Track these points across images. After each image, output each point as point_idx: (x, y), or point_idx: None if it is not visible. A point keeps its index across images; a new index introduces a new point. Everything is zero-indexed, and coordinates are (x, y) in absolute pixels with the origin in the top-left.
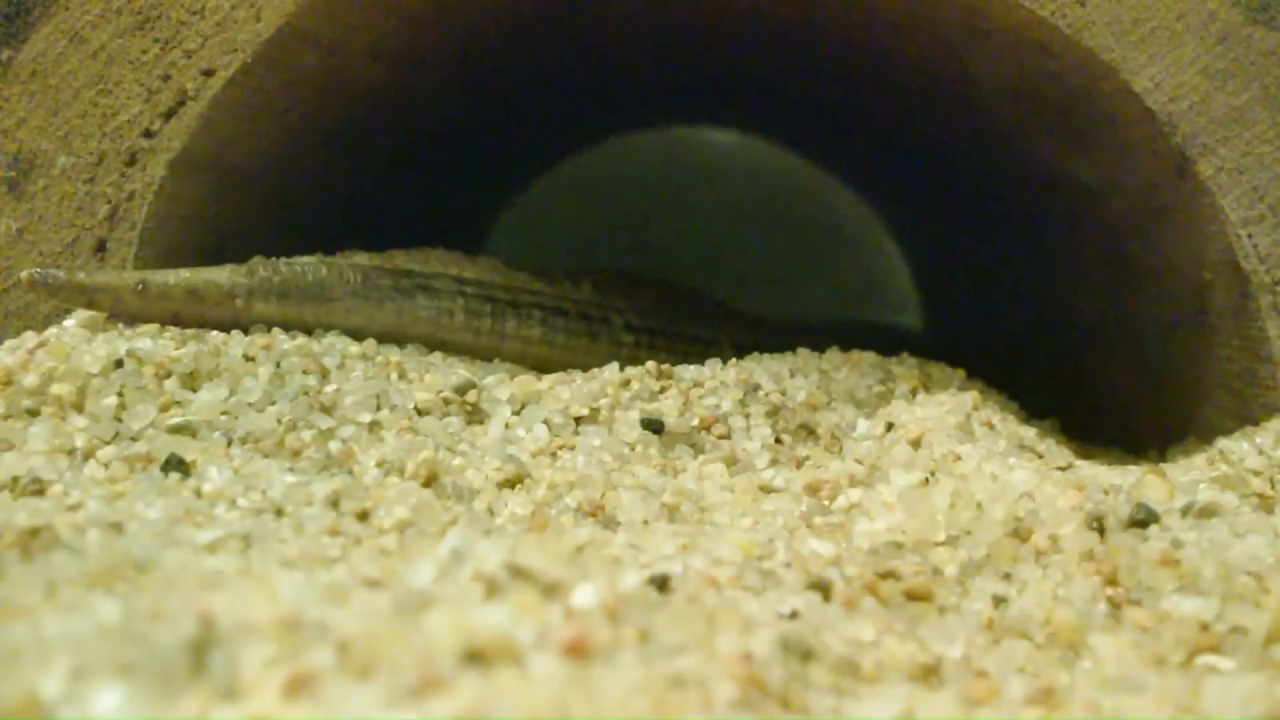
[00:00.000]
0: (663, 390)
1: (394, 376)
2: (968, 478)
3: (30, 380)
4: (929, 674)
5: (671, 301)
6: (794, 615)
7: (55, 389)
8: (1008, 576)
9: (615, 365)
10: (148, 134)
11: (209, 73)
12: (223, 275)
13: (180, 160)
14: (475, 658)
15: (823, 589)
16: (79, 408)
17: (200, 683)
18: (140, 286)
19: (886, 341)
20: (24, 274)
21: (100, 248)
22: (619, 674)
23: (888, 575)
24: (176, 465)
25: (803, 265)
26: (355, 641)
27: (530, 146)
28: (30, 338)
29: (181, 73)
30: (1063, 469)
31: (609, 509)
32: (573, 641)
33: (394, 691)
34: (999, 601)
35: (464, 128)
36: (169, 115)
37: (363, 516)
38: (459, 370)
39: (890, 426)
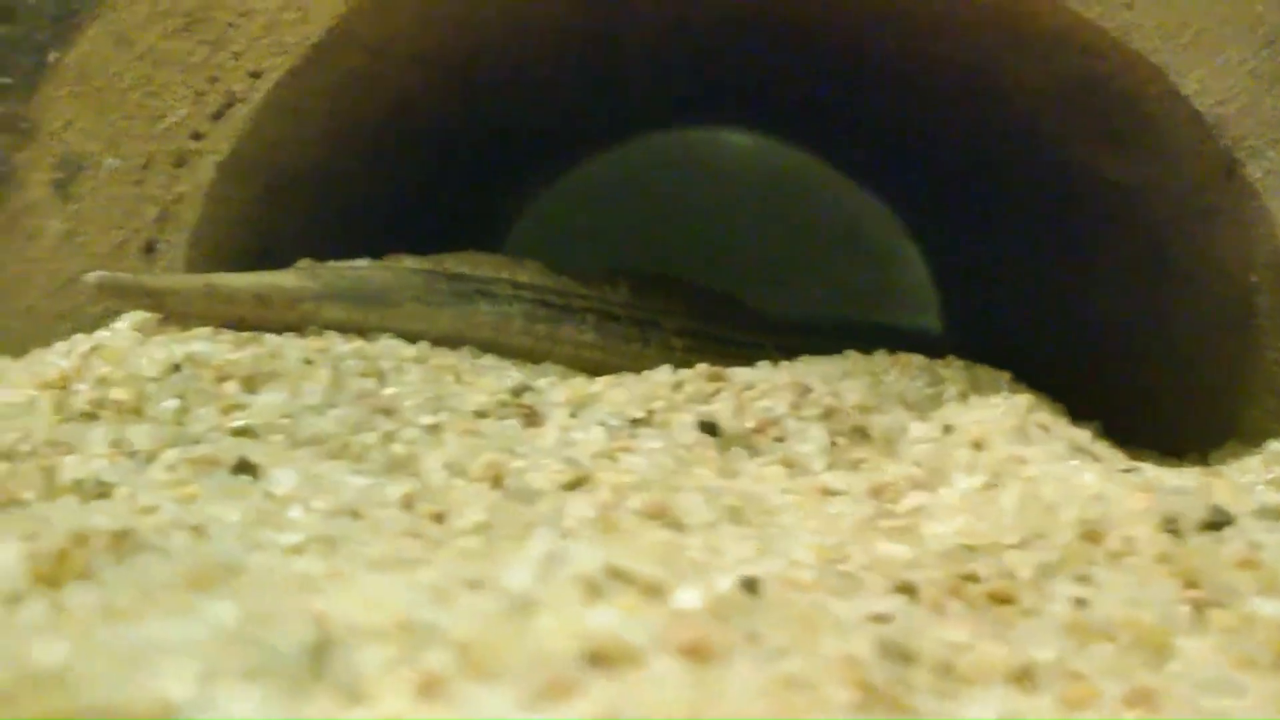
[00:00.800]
0: (716, 393)
1: (449, 379)
2: (1035, 480)
3: (87, 383)
4: (1023, 677)
5: (709, 305)
6: (884, 618)
7: (114, 392)
8: (1084, 579)
9: (667, 368)
10: (196, 136)
11: (257, 75)
12: (289, 279)
13: (229, 162)
14: (596, 660)
15: (909, 592)
16: (138, 411)
17: (326, 685)
18: (208, 290)
19: (911, 345)
20: (90, 276)
21: (149, 249)
22: (738, 676)
23: (967, 578)
24: (245, 468)
25: (818, 267)
26: (472, 644)
27: (549, 148)
28: (82, 340)
29: (230, 74)
30: (1126, 471)
31: (673, 511)
32: (691, 643)
33: (524, 693)
34: (1079, 604)
35: (489, 130)
36: (217, 117)
37: (439, 519)
38: (512, 373)
39: (948, 429)
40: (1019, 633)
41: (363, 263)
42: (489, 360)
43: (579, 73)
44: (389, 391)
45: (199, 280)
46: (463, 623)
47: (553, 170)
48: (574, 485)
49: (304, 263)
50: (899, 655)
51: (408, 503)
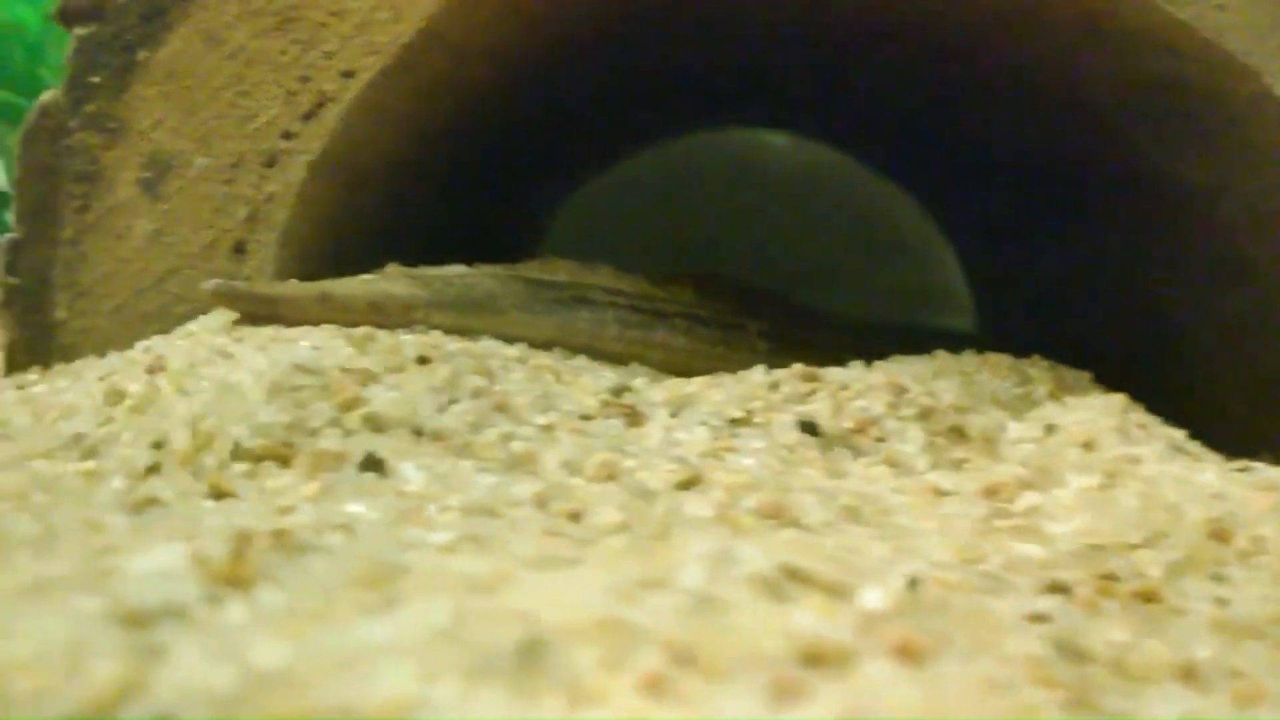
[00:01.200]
0: (812, 393)
1: (550, 379)
2: (1152, 480)
3: (206, 380)
4: (1190, 675)
5: (779, 307)
6: (1044, 618)
7: (236, 392)
8: (1219, 578)
9: (762, 368)
10: (287, 135)
11: (349, 74)
12: (399, 287)
13: (319, 162)
14: (812, 660)
15: (1062, 591)
16: (257, 409)
17: (548, 684)
18: (323, 298)
19: (955, 347)
20: (208, 285)
21: (239, 249)
22: (950, 677)
23: (1108, 577)
24: (373, 465)
25: (852, 267)
26: (678, 642)
27: (593, 147)
28: (184, 339)
29: (321, 74)
30: (1241, 471)
31: (790, 511)
32: (900, 644)
33: (757, 693)
34: (1221, 603)
35: (543, 128)
36: (308, 117)
37: (574, 518)
38: (606, 374)
39: (1050, 429)
40: (1173, 631)
41: (456, 269)
42: (581, 361)
43: (628, 73)
44: (500, 389)
45: (313, 288)
46: (661, 622)
47: (592, 170)
48: (687, 485)
49: (393, 268)
50: (1074, 654)
51: (540, 502)
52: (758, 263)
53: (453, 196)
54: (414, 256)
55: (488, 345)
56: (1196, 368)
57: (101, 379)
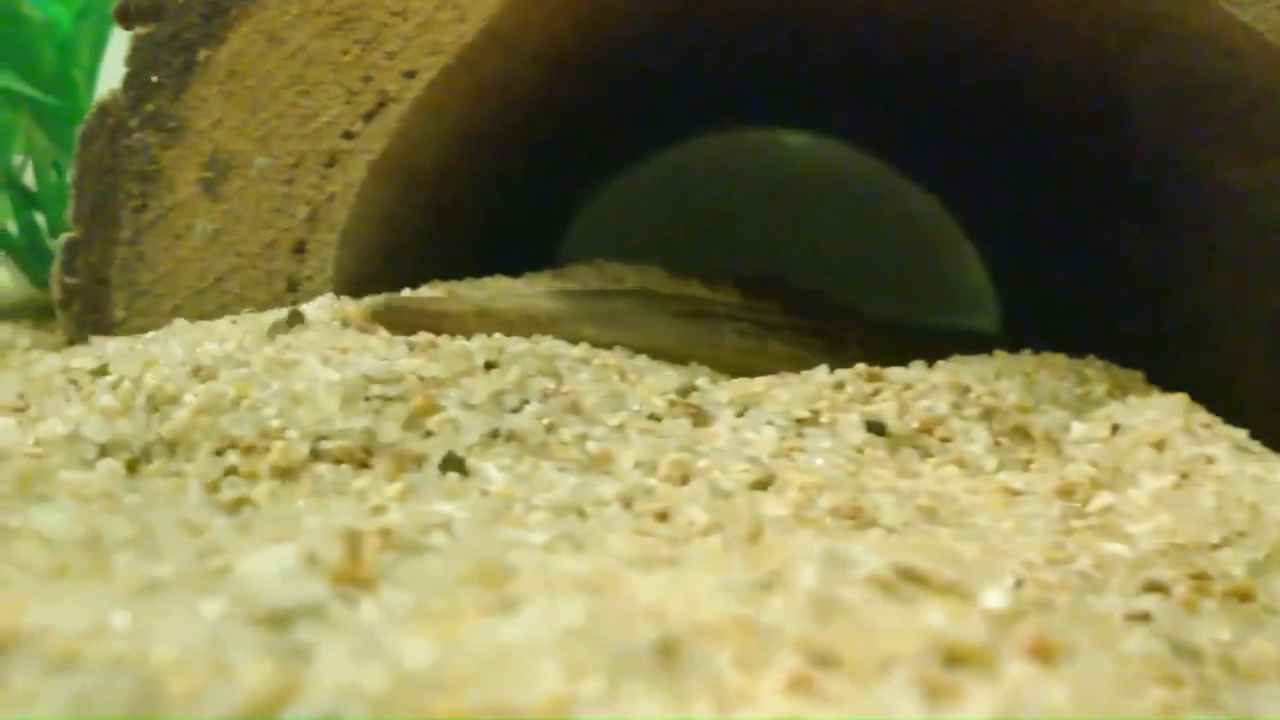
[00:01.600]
0: (875, 393)
1: (616, 378)
2: (1227, 479)
3: (279, 382)
4: None
5: (834, 309)
6: (1146, 616)
7: (308, 398)
8: None
9: (824, 368)
10: (348, 135)
11: (411, 74)
12: (545, 303)
13: (379, 162)
14: (953, 660)
15: (1160, 590)
16: (332, 414)
17: (694, 684)
18: (482, 313)
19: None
20: (367, 303)
21: (299, 249)
22: (1087, 676)
23: (1199, 576)
24: (454, 465)
25: (874, 266)
26: (813, 643)
27: (619, 145)
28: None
29: (383, 74)
30: None
31: (868, 511)
32: (1036, 644)
33: (908, 693)
34: None
35: (576, 127)
36: (369, 117)
37: (662, 518)
38: (668, 373)
39: (1116, 429)
40: (1270, 630)
41: (510, 282)
42: (642, 360)
43: (654, 73)
44: (569, 389)
45: (470, 303)
46: (789, 622)
47: (615, 169)
48: (761, 485)
49: (437, 285)
50: (1189, 653)
51: (624, 501)
52: (779, 262)
53: (490, 193)
54: (455, 252)
55: (553, 346)
56: (1231, 368)
57: (160, 380)
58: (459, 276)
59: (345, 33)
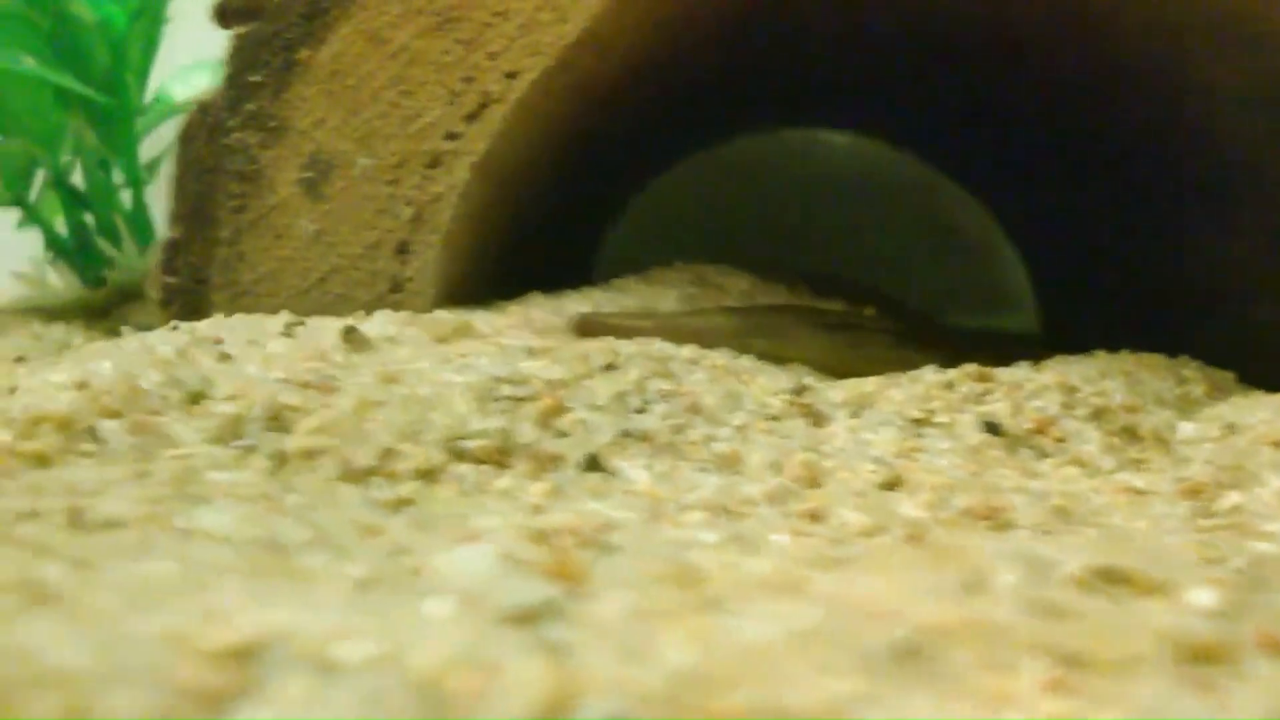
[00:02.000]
0: (987, 393)
1: (730, 380)
2: None
3: (407, 387)
4: None
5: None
6: None
7: (441, 402)
8: None
9: (933, 367)
10: (451, 136)
11: (513, 75)
12: (718, 319)
13: (481, 163)
14: (1201, 657)
15: None
16: (467, 416)
17: (948, 685)
18: (664, 328)
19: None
20: (573, 313)
21: (402, 250)
22: None
23: None
24: (595, 465)
25: (913, 266)
26: (1049, 642)
27: (670, 143)
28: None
29: (485, 75)
30: None
31: (1004, 512)
32: (1266, 639)
33: (1174, 689)
34: None
35: (638, 126)
36: (472, 118)
37: (815, 518)
38: (774, 372)
39: (1230, 428)
40: None
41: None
42: (746, 361)
43: (712, 72)
44: (688, 390)
45: (651, 319)
46: (1018, 623)
47: (660, 168)
48: (891, 485)
49: (538, 296)
50: None
51: (773, 501)
52: (819, 261)
53: (556, 189)
54: (528, 249)
55: (663, 348)
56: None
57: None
58: (533, 274)
59: (446, 33)
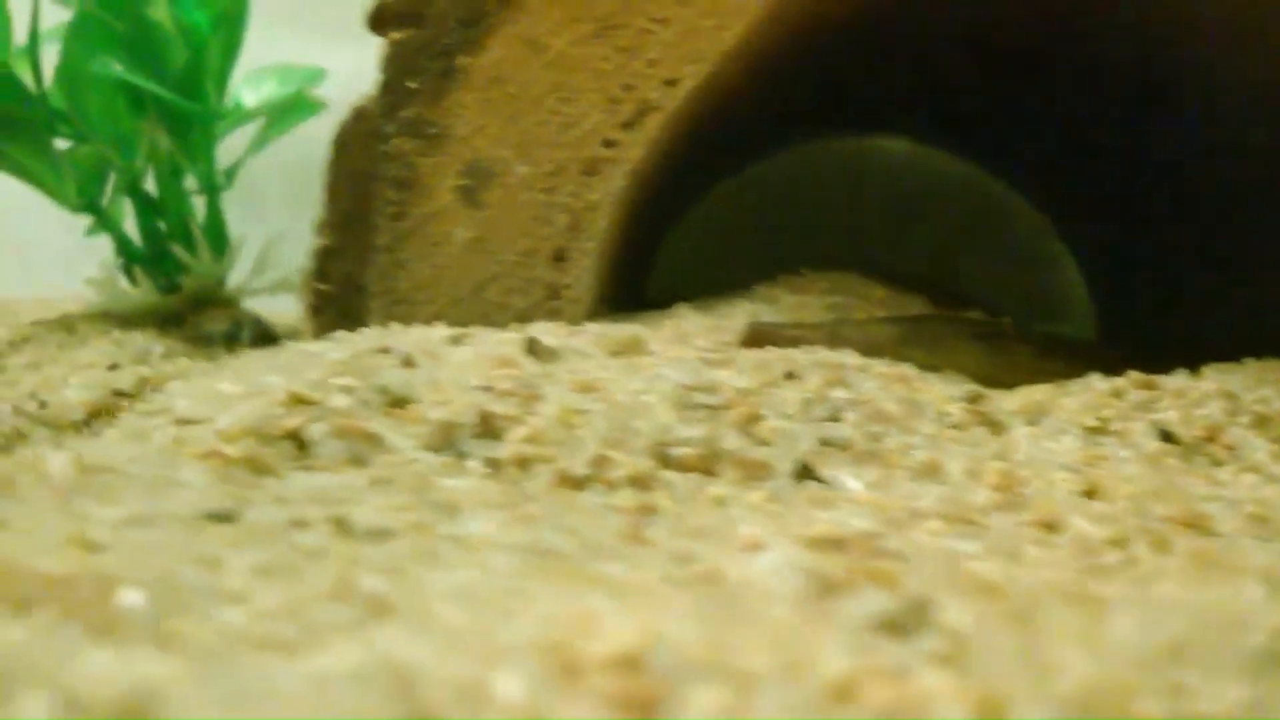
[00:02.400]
0: (1154, 400)
1: (900, 387)
2: None
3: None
4: None
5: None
6: None
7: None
8: None
9: (1098, 375)
10: (608, 143)
11: (672, 82)
12: (882, 330)
13: (637, 170)
14: None
15: None
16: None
17: None
18: (833, 336)
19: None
20: (746, 323)
21: (559, 257)
22: None
23: None
24: (807, 473)
25: (970, 273)
26: None
27: (749, 145)
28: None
29: (644, 82)
30: None
31: (1205, 521)
32: None
33: None
34: None
35: (740, 128)
36: (629, 125)
37: (1049, 527)
38: (938, 380)
39: None
40: None
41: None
42: (907, 369)
43: (810, 78)
44: (868, 398)
45: (822, 330)
46: None
47: (728, 172)
48: (1089, 494)
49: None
50: None
51: (1004, 510)
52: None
53: (667, 191)
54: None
55: (830, 356)
56: None
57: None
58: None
59: (605, 40)
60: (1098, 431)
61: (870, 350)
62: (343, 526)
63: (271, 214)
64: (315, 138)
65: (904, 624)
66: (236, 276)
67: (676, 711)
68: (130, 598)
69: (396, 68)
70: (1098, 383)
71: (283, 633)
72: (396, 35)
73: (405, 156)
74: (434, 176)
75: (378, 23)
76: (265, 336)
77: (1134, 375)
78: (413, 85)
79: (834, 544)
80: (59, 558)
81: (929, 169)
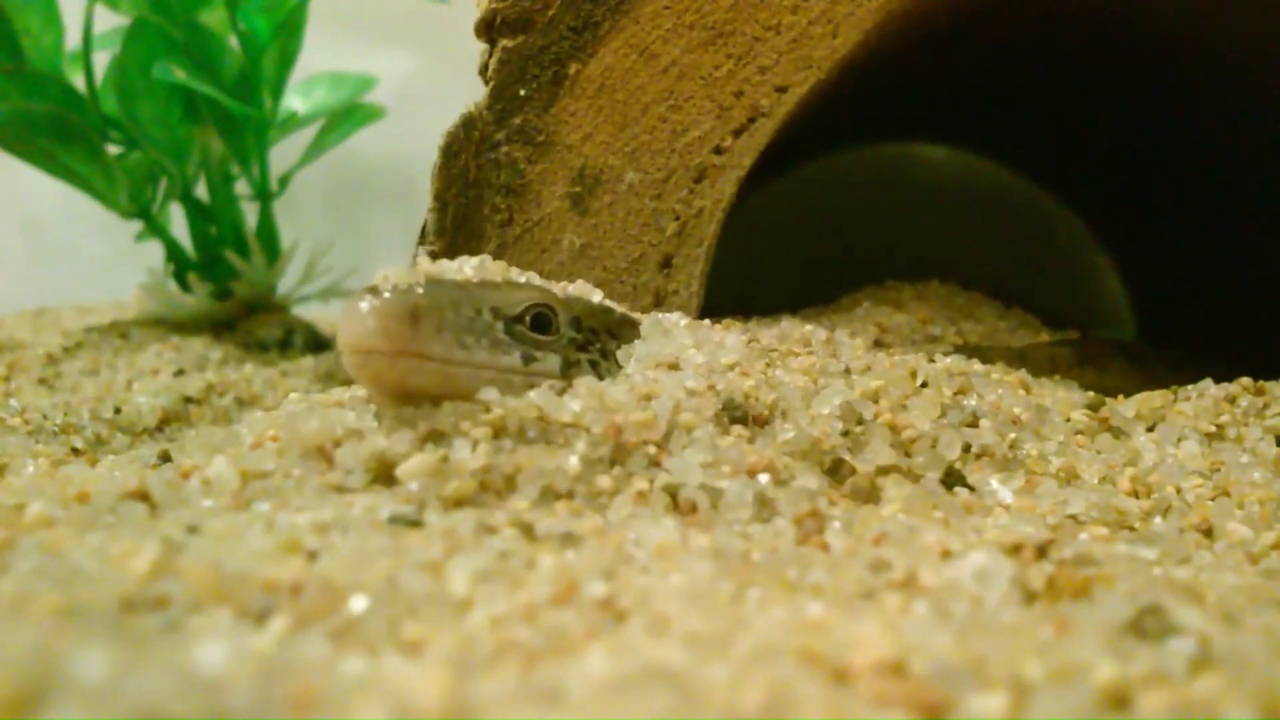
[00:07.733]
0: (1265, 406)
1: (1022, 393)
2: None
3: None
4: None
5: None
6: None
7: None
8: None
9: (1208, 381)
10: (718, 150)
11: (783, 89)
12: (1064, 351)
13: (745, 178)
14: None
15: None
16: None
17: None
18: (1021, 356)
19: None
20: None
21: (666, 264)
22: None
23: None
24: (958, 480)
25: (1010, 280)
26: None
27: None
28: None
29: (755, 89)
30: None
31: None
32: None
33: None
34: None
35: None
36: (739, 132)
37: (1209, 534)
38: (1052, 386)
39: None
40: None
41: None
42: (1024, 374)
43: (880, 88)
44: (997, 404)
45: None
46: None
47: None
48: (1215, 498)
49: None
50: None
51: (1159, 514)
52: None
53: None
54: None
55: (952, 363)
56: None
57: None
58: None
59: (717, 47)
60: (1214, 437)
61: (1044, 369)
62: (529, 532)
63: (313, 221)
64: (354, 145)
65: (1148, 629)
66: (285, 283)
67: (962, 715)
68: (357, 604)
69: (506, 74)
70: (1210, 388)
71: (524, 638)
72: (507, 42)
73: (514, 163)
74: (543, 183)
75: (488, 30)
76: (317, 343)
77: (1244, 381)
78: (523, 92)
79: (1020, 550)
80: (282, 565)
81: (968, 176)
